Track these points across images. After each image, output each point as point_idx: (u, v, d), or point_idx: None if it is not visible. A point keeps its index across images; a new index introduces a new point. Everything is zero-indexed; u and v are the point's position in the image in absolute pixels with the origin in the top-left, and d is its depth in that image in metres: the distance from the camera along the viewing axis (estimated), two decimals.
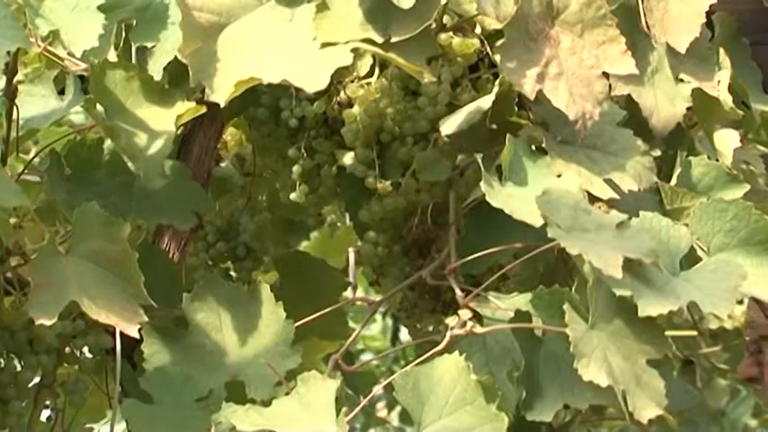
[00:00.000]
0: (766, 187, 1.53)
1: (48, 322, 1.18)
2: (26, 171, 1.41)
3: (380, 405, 3.59)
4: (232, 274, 1.64)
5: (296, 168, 1.48)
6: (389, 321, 3.52)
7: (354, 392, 2.30)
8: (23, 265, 1.28)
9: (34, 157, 1.43)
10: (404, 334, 3.36)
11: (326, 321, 1.46)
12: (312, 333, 1.53)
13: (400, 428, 3.30)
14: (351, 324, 1.75)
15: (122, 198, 1.36)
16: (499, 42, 1.31)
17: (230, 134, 1.62)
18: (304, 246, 1.92)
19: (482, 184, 1.25)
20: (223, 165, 1.63)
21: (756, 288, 1.24)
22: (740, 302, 1.51)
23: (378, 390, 1.27)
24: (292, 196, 1.50)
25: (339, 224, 1.96)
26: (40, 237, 1.31)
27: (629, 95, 1.38)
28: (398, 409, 3.22)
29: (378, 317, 3.46)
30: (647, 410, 1.19)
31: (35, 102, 1.38)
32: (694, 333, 1.39)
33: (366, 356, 3.48)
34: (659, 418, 1.20)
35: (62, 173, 1.38)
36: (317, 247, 1.87)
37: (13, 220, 1.31)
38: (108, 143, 1.39)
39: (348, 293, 1.79)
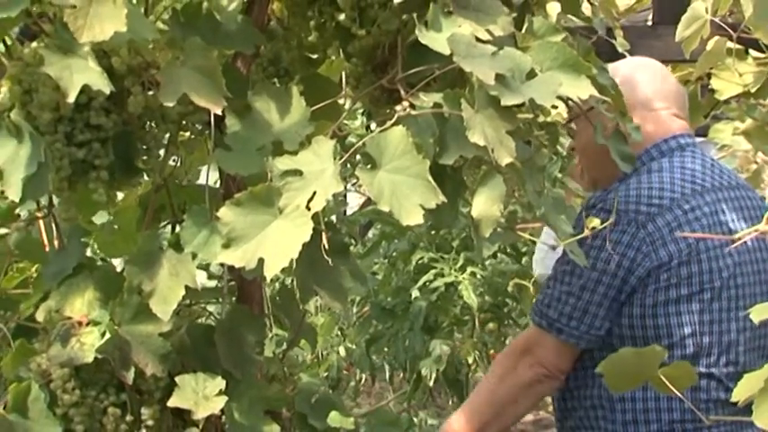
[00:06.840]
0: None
1: (170, 104, 1.16)
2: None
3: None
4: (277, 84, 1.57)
5: (312, 23, 1.41)
6: (364, 119, 3.43)
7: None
8: (157, 73, 1.21)
9: (162, 13, 1.34)
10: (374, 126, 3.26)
11: (328, 111, 1.41)
12: (321, 117, 1.47)
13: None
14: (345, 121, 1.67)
15: (213, 35, 1.29)
16: None
17: (276, 4, 1.53)
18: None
19: (416, 31, 1.20)
20: (272, 24, 1.55)
21: (566, 90, 1.20)
22: (555, 107, 1.45)
23: (359, 144, 1.20)
24: (310, 39, 1.43)
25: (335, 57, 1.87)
26: (166, 57, 1.24)
27: None
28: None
29: (359, 117, 3.38)
30: (505, 158, 1.16)
31: None
32: (531, 116, 1.33)
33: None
34: (511, 164, 1.17)
35: (179, 22, 1.30)
36: (325, 71, 1.78)
37: (150, 46, 1.24)
38: (205, 5, 1.30)
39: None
